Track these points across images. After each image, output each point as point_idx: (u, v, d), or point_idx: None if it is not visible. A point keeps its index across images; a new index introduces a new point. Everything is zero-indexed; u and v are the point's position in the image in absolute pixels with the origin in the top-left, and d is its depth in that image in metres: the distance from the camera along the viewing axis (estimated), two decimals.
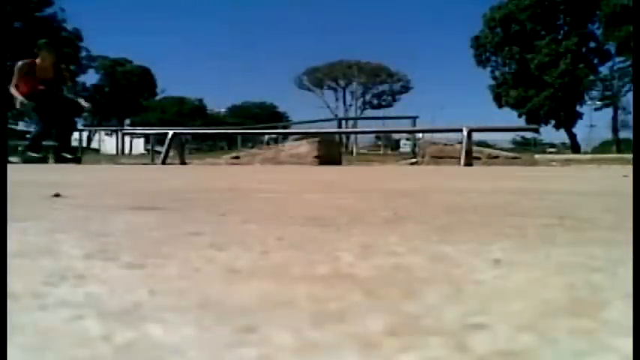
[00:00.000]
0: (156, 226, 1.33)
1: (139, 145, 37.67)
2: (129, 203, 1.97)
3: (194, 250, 0.97)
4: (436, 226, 1.32)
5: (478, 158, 9.42)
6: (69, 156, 9.57)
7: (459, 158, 8.35)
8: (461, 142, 8.52)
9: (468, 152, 8.27)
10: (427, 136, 11.65)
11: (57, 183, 3.43)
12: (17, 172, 5.31)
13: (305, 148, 10.17)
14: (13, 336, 0.52)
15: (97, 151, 33.22)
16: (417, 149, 11.74)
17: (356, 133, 16.99)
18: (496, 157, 10.20)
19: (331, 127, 14.29)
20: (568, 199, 2.28)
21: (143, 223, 1.37)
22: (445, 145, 10.33)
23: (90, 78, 50.67)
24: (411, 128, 11.83)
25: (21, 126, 45.54)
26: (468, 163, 8.08)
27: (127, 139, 34.31)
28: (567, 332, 0.53)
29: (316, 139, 10.33)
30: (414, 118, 13.51)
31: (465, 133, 8.28)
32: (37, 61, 9.09)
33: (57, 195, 2.14)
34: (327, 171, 6.24)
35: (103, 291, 0.69)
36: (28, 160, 9.14)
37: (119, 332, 0.53)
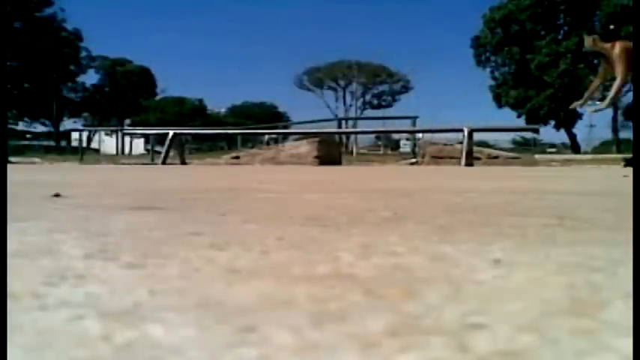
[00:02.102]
0: (156, 226, 1.33)
1: (139, 146, 37.68)
2: (129, 203, 1.97)
3: (194, 250, 0.97)
4: (436, 226, 1.32)
5: (478, 158, 9.42)
6: None
7: (459, 158, 8.34)
8: (461, 143, 8.51)
9: (469, 152, 8.27)
10: (427, 136, 11.65)
11: (57, 183, 3.43)
12: (17, 172, 5.32)
13: (305, 148, 10.17)
14: (13, 336, 0.52)
15: (97, 151, 33.20)
16: (417, 149, 11.74)
17: (356, 133, 16.98)
18: (496, 157, 10.20)
19: (331, 128, 14.30)
20: (568, 199, 2.28)
21: (143, 223, 1.37)
22: (445, 145, 10.33)
23: (90, 78, 50.68)
24: (411, 128, 11.83)
25: (21, 126, 45.60)
26: (469, 164, 8.08)
27: (127, 139, 34.31)
28: (567, 332, 0.53)
29: (316, 139, 10.33)
30: (414, 119, 13.52)
31: (465, 133, 8.28)
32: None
33: (57, 195, 2.14)
34: (327, 171, 6.24)
35: (103, 291, 0.69)
36: None
37: (119, 332, 0.53)
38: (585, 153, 32.11)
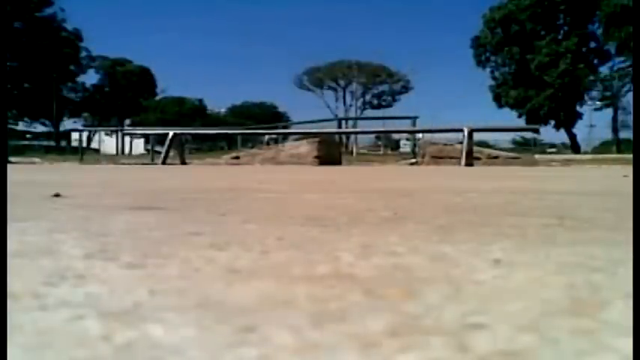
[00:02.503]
0: (156, 225, 1.33)
1: (139, 146, 37.67)
2: (129, 203, 1.97)
3: (194, 250, 0.97)
4: (436, 226, 1.32)
5: (478, 158, 9.42)
6: None
7: (459, 158, 8.34)
8: (461, 143, 8.51)
9: (469, 152, 8.28)
10: (427, 136, 11.65)
11: (57, 183, 3.43)
12: (17, 172, 5.32)
13: (305, 148, 10.17)
14: (13, 336, 0.52)
15: (97, 151, 33.19)
16: (417, 149, 11.74)
17: (356, 133, 16.98)
18: (496, 157, 10.20)
19: (331, 127, 14.30)
20: (568, 199, 2.28)
21: (143, 223, 1.37)
22: (445, 145, 10.33)
23: (90, 78, 50.59)
24: (411, 128, 11.84)
25: (21, 126, 45.60)
26: (469, 163, 8.07)
27: (127, 139, 34.23)
28: (568, 332, 0.53)
29: (316, 139, 10.33)
30: (414, 119, 13.52)
31: (465, 133, 8.28)
32: None
33: (57, 195, 2.14)
34: (326, 171, 6.24)
35: (103, 291, 0.69)
36: None
37: (119, 332, 0.53)
38: (585, 153, 32.08)
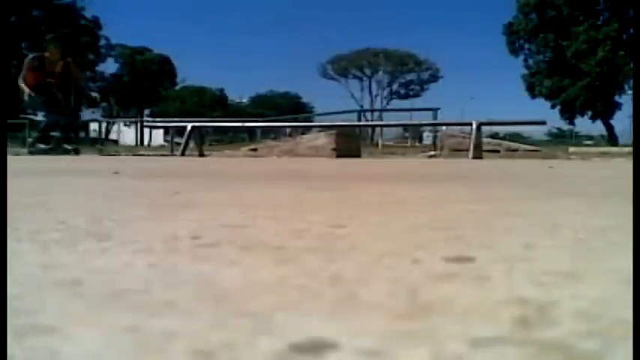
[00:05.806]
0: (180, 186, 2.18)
1: (158, 137, 38.75)
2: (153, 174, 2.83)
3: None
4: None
5: (497, 151, 10.02)
6: (69, 147, 10.31)
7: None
8: (488, 136, 9.01)
9: (477, 145, 8.92)
10: (449, 128, 12.24)
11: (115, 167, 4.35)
12: (91, 162, 6.27)
13: (322, 140, 10.85)
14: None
15: (115, 142, 34.16)
16: (437, 142, 12.35)
17: (361, 126, 17.60)
18: (515, 150, 10.77)
19: (354, 119, 14.96)
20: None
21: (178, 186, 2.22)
22: (464, 137, 10.93)
23: (109, 67, 51.83)
24: (417, 122, 12.49)
25: (39, 116, 47.00)
26: (477, 156, 8.68)
27: (147, 130, 35.27)
28: None
29: (334, 131, 10.99)
30: (435, 110, 14.15)
31: (474, 126, 8.94)
32: (46, 54, 9.90)
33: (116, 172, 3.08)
34: (324, 164, 6.99)
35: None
36: (36, 152, 9.78)
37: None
38: (625, 145, 32.05)
